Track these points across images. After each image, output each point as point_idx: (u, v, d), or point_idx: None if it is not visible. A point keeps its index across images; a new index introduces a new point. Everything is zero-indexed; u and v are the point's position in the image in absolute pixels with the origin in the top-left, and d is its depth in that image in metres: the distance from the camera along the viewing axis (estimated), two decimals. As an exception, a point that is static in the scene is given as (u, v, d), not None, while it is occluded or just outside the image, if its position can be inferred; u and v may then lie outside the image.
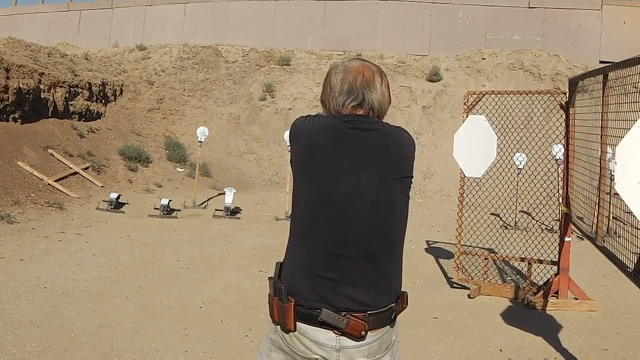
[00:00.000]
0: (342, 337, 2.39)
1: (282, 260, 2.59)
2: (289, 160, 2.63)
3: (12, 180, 12.29)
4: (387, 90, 2.58)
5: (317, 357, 2.43)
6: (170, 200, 12.90)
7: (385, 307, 2.45)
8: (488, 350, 5.94)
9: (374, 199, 2.42)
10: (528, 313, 7.11)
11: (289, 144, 2.64)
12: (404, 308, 2.61)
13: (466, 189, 8.24)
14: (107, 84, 19.52)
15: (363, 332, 2.38)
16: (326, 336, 2.40)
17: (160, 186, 16.20)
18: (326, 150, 2.45)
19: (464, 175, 8.06)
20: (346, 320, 2.37)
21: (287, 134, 13.03)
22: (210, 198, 14.99)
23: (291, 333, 2.45)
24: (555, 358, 5.80)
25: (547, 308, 7.18)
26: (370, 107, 2.50)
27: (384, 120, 2.57)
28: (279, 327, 2.50)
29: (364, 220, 2.42)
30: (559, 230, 8.11)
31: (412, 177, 2.54)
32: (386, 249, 2.47)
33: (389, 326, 2.49)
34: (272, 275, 2.61)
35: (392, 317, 2.49)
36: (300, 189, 2.51)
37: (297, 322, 2.43)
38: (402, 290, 2.60)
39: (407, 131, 2.60)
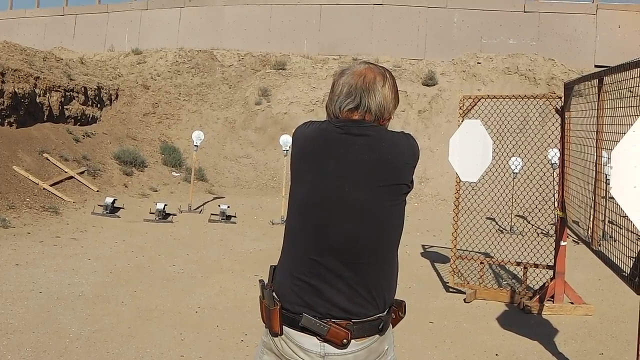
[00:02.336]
0: (325, 343, 2.37)
1: (276, 264, 2.59)
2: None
3: (8, 184, 12.27)
4: (391, 92, 2.52)
5: None
6: (165, 205, 12.88)
7: (371, 316, 2.41)
8: (484, 354, 5.94)
9: (357, 206, 2.38)
10: (524, 317, 7.11)
11: (284, 150, 2.64)
12: (402, 317, 2.58)
13: (462, 194, 8.25)
14: (103, 88, 19.50)
15: (345, 341, 2.35)
16: (310, 342, 2.38)
17: (156, 190, 16.19)
18: (314, 155, 2.45)
19: (460, 180, 8.06)
20: (327, 327, 2.35)
21: (282, 138, 13.07)
22: (206, 202, 14.98)
23: (279, 337, 2.45)
24: (551, 362, 5.81)
25: (543, 312, 7.18)
26: (367, 111, 2.46)
27: (387, 123, 2.56)
28: (268, 329, 2.50)
29: (347, 227, 2.38)
30: (554, 235, 8.12)
31: (408, 185, 2.48)
32: (371, 258, 2.41)
33: (377, 335, 2.44)
34: (262, 278, 2.62)
35: (381, 326, 2.44)
36: (291, 193, 2.53)
37: (284, 326, 2.43)
38: (398, 299, 2.57)
39: (408, 136, 2.54)
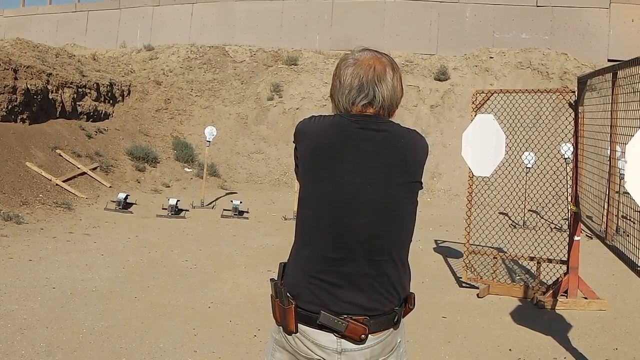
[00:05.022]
0: (342, 339, 2.36)
1: (286, 261, 2.57)
2: (295, 161, 2.59)
3: (21, 180, 12.32)
4: (399, 84, 2.50)
5: (319, 358, 2.41)
6: (178, 200, 12.90)
7: (387, 310, 2.42)
8: (497, 350, 5.93)
9: (378, 203, 2.37)
10: (537, 312, 7.09)
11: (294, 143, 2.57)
12: (411, 309, 2.57)
13: (474, 188, 8.23)
14: (115, 85, 19.56)
15: (363, 336, 2.35)
16: (327, 338, 2.38)
17: (168, 186, 16.23)
18: (332, 150, 2.40)
19: (473, 175, 8.04)
20: (345, 323, 2.34)
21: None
22: (218, 198, 15.00)
23: (293, 334, 2.44)
24: (565, 358, 5.78)
25: (556, 307, 7.15)
26: (381, 105, 2.43)
27: (394, 116, 2.52)
28: (281, 327, 2.49)
29: (367, 224, 2.37)
30: (568, 230, 8.09)
31: (421, 183, 2.47)
32: (389, 255, 2.41)
33: (392, 329, 2.45)
34: (274, 277, 2.59)
35: (396, 320, 2.45)
36: (305, 190, 2.47)
37: (299, 324, 2.41)
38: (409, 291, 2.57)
39: (419, 134, 2.52)
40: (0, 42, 19.30)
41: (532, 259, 8.04)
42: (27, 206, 11.44)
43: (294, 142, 2.56)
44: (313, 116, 2.52)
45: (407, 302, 2.54)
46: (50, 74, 16.30)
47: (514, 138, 8.26)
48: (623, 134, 4.86)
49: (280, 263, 2.59)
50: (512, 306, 7.29)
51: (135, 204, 13.15)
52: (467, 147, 7.87)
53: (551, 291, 7.37)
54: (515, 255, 8.37)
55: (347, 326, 2.34)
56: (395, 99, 2.48)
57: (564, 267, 7.55)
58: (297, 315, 2.41)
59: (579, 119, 7.17)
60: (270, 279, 2.58)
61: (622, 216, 9.34)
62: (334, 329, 2.35)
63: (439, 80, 21.18)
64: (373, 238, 2.38)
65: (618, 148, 5.15)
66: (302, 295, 2.41)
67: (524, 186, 11.91)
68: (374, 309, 2.38)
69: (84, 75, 18.28)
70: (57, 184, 13.08)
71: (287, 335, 2.47)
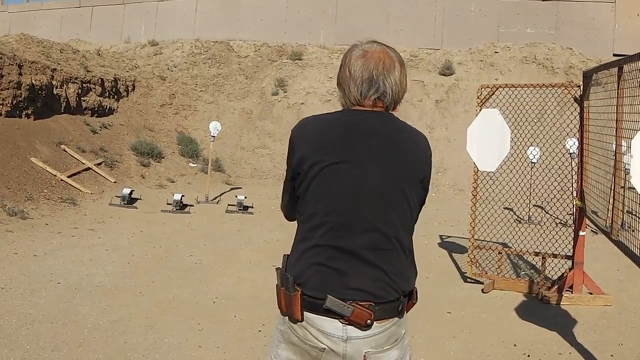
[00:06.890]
0: (348, 326, 2.36)
1: (289, 253, 2.58)
2: (290, 157, 2.58)
3: (26, 176, 12.33)
4: (405, 79, 2.55)
5: (325, 347, 2.40)
6: (183, 196, 12.90)
7: (392, 299, 2.42)
8: (502, 345, 5.92)
9: (381, 195, 2.41)
10: (542, 308, 7.08)
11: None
12: (414, 303, 2.59)
13: (479, 183, 8.21)
14: (120, 80, 19.55)
15: (369, 321, 2.35)
16: (333, 325, 2.37)
17: (173, 181, 16.24)
18: (337, 145, 2.44)
19: (478, 169, 8.03)
20: (351, 308, 2.34)
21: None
22: (223, 193, 15.00)
23: (299, 323, 2.43)
24: (570, 353, 5.77)
25: (561, 303, 7.14)
26: (390, 100, 2.49)
27: (397, 111, 2.56)
28: (287, 317, 2.48)
29: (370, 214, 2.40)
30: (573, 225, 8.07)
31: (427, 178, 2.54)
32: (393, 245, 2.43)
33: (397, 318, 2.45)
34: (280, 266, 2.60)
35: (400, 309, 2.46)
36: (312, 184, 2.47)
37: (305, 312, 2.41)
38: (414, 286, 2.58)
39: (420, 132, 2.61)
40: (5, 37, 19.35)
41: (537, 254, 8.03)
42: (32, 201, 11.45)
43: (290, 148, 2.58)
44: (306, 118, 2.59)
45: (410, 296, 2.55)
46: (55, 69, 16.31)
47: (519, 133, 8.23)
48: (629, 128, 4.84)
49: (284, 255, 2.60)
50: (517, 301, 7.28)
51: (140, 199, 13.16)
52: (472, 142, 7.85)
53: (556, 286, 7.36)
54: (520, 251, 8.36)
55: (353, 311, 2.35)
56: (400, 94, 2.53)
57: (569, 263, 7.54)
58: (303, 302, 2.41)
59: (585, 114, 7.15)
60: (276, 268, 2.58)
61: (628, 211, 9.33)
62: (340, 313, 2.35)
63: (444, 75, 21.14)
64: (376, 228, 2.40)
65: (624, 143, 5.13)
66: (308, 283, 2.41)
67: (529, 181, 11.89)
68: (380, 296, 2.39)
69: (88, 71, 18.29)
70: (61, 180, 13.08)
71: (292, 325, 2.46)
